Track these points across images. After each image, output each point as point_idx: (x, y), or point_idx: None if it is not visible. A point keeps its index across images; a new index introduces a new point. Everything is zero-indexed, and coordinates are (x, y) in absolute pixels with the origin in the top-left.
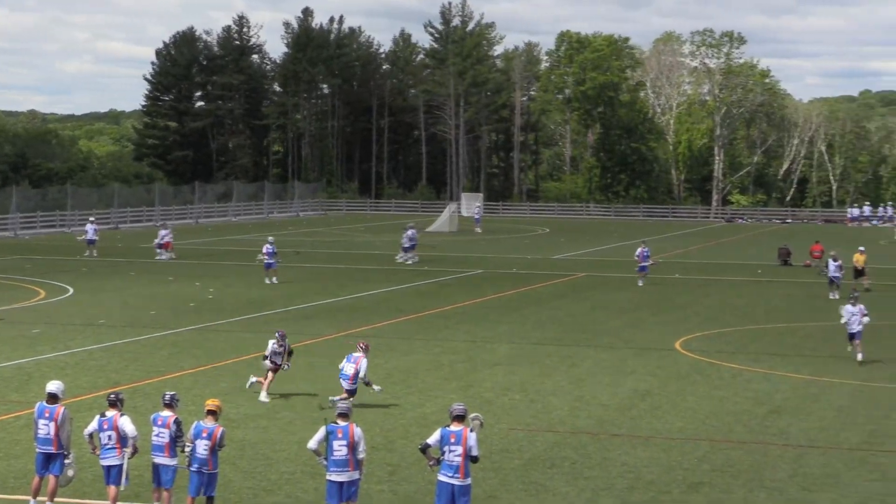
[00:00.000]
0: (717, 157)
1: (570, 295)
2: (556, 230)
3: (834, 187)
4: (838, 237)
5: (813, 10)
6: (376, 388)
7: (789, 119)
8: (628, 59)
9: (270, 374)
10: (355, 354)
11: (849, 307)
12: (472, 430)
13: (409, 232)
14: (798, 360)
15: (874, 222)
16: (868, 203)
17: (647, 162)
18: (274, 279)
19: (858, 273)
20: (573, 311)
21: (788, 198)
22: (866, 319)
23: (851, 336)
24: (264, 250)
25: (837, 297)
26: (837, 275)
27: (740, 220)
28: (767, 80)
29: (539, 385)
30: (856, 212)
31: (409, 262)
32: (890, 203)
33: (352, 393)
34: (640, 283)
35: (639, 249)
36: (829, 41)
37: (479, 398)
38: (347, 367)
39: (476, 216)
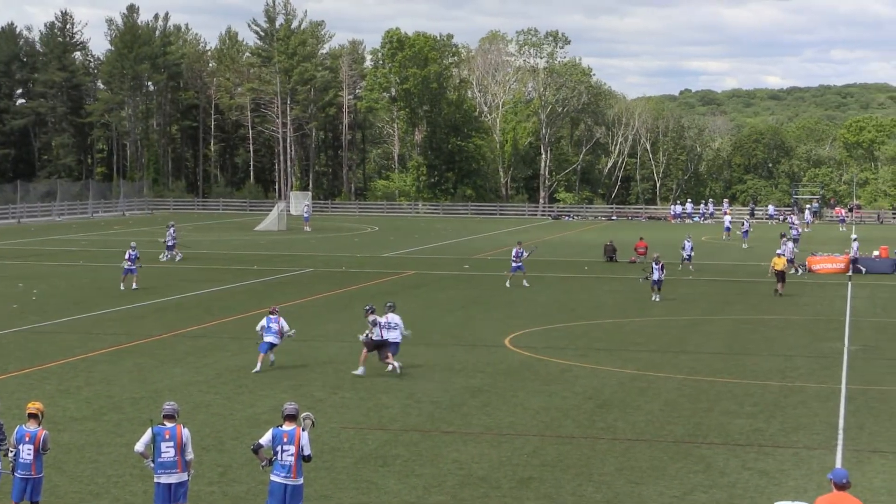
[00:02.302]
0: (543, 155)
1: (401, 293)
2: (386, 228)
3: (657, 185)
4: (662, 233)
5: (632, 11)
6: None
7: (614, 117)
8: (453, 57)
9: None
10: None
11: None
12: (304, 430)
13: (171, 230)
14: (625, 356)
15: (696, 219)
16: (690, 200)
17: (475, 160)
18: (134, 285)
19: (780, 275)
20: (404, 308)
21: (614, 195)
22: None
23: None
24: (126, 256)
25: (659, 300)
26: (660, 277)
27: (567, 218)
28: (593, 81)
29: (370, 383)
30: (678, 209)
31: (177, 258)
32: (711, 200)
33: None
34: (507, 284)
35: (515, 249)
36: (648, 41)
37: (310, 397)
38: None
39: (305, 215)
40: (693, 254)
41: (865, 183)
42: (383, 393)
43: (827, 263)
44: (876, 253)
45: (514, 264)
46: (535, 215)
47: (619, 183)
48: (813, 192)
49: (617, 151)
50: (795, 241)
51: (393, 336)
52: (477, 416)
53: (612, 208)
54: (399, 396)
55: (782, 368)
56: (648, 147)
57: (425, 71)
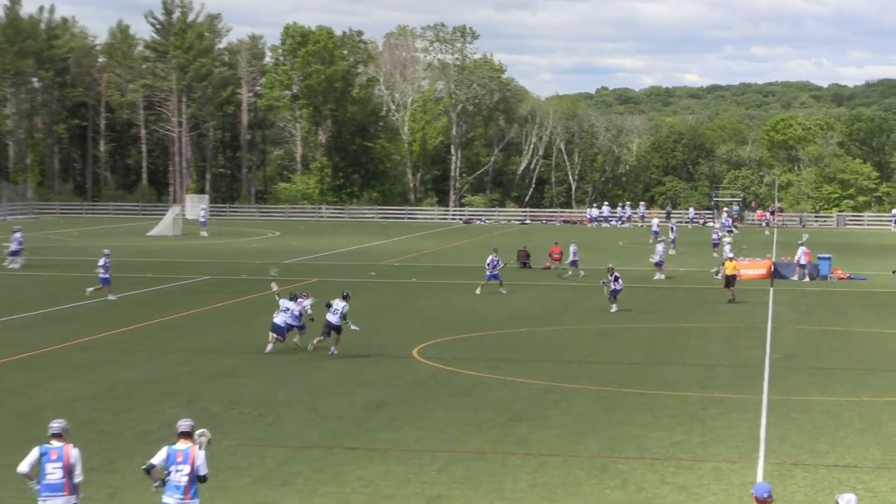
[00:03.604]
0: (453, 156)
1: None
2: (288, 233)
3: (573, 187)
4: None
5: (544, 5)
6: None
7: (527, 116)
8: (360, 54)
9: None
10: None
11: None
12: (199, 448)
13: (17, 235)
14: (538, 367)
15: (613, 223)
16: (606, 203)
17: (381, 161)
18: (110, 296)
19: (730, 280)
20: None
21: (527, 198)
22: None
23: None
24: (100, 263)
25: (616, 309)
26: (616, 288)
27: (478, 222)
28: (503, 77)
29: (270, 397)
30: (594, 212)
31: (16, 266)
32: (629, 203)
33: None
34: (478, 291)
35: (490, 257)
36: (561, 36)
37: (205, 412)
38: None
39: (202, 219)
40: (577, 259)
41: (788, 185)
42: (284, 407)
43: (748, 269)
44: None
45: (488, 273)
46: (446, 219)
47: (532, 185)
48: (734, 194)
49: (531, 152)
50: (715, 245)
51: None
52: (383, 431)
53: (525, 212)
54: (300, 411)
55: (702, 378)
56: (563, 148)
57: (330, 69)
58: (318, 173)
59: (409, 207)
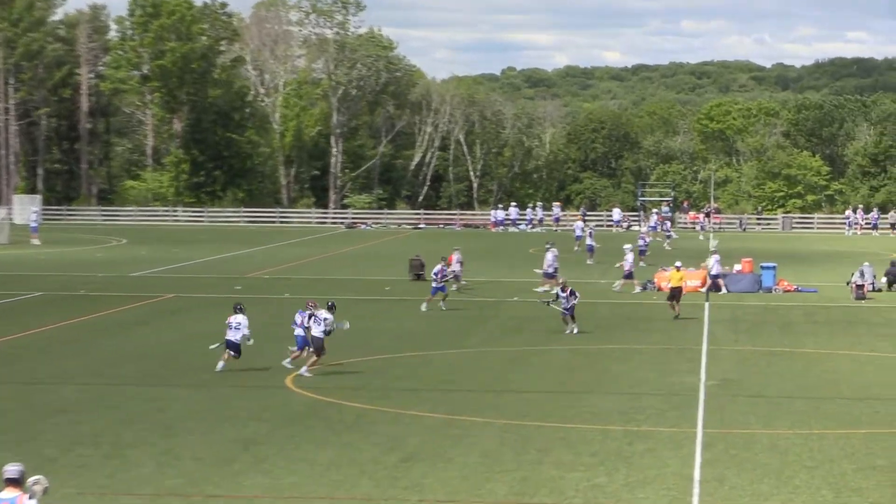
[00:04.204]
0: (334, 149)
1: (156, 321)
2: (137, 240)
3: (474, 185)
4: (462, 245)
5: None
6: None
7: (421, 101)
8: (223, 28)
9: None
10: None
11: None
12: (31, 498)
13: None
14: (435, 397)
15: (522, 227)
16: (514, 204)
17: (249, 156)
18: None
19: (675, 293)
20: (160, 340)
21: (421, 198)
22: None
23: None
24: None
25: (576, 331)
26: (569, 304)
27: (364, 226)
28: (393, 55)
29: (116, 436)
30: (500, 214)
31: None
32: (540, 203)
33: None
34: (424, 308)
35: (439, 266)
36: (459, 7)
37: (38, 455)
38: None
39: (32, 224)
40: (461, 269)
41: (725, 182)
42: (132, 448)
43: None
44: (738, 267)
45: (434, 285)
46: (325, 223)
47: (427, 183)
48: (663, 193)
49: (425, 144)
50: (642, 252)
51: (232, 335)
52: (251, 474)
53: (419, 214)
54: (152, 452)
55: (626, 409)
56: (463, 139)
57: (187, 46)
58: (173, 169)
59: (281, 210)
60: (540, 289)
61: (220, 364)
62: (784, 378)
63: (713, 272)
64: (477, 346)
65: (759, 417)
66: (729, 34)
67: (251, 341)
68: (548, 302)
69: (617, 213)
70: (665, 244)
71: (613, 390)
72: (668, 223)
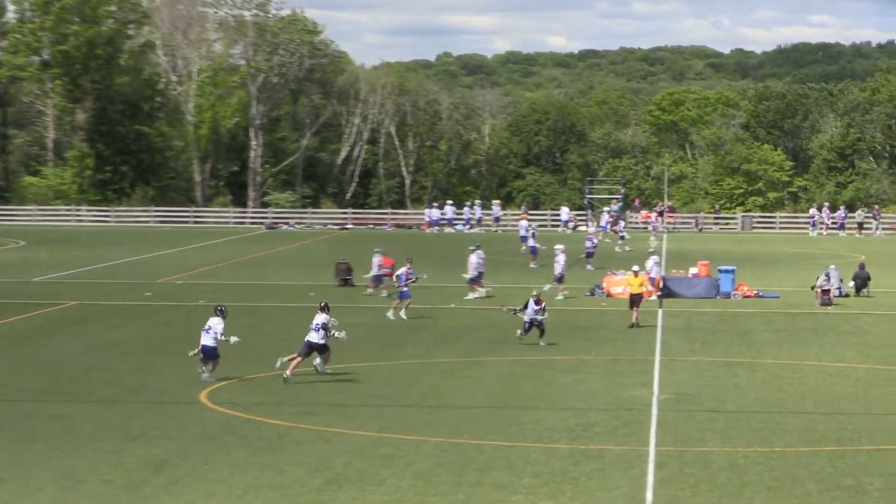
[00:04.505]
0: (253, 142)
1: (58, 331)
2: (37, 242)
3: (407, 182)
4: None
5: None
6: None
7: (349, 90)
8: (132, 11)
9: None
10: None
11: None
12: None
13: None
14: (364, 413)
15: (458, 227)
16: (450, 202)
17: (160, 150)
18: None
19: (634, 299)
20: (62, 352)
21: (349, 196)
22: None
23: None
24: None
25: (544, 343)
26: (539, 318)
27: (286, 226)
28: (318, 40)
29: (12, 458)
30: (435, 214)
31: None
32: (478, 202)
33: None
34: (391, 316)
35: (403, 269)
36: None
37: None
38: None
39: None
40: (382, 274)
41: (680, 178)
42: (31, 470)
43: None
44: (694, 271)
45: (403, 289)
46: (244, 223)
47: (355, 180)
48: (612, 190)
49: (353, 137)
50: (590, 255)
51: (205, 339)
52: (162, 498)
53: (346, 214)
54: (51, 475)
55: (573, 426)
56: (394, 131)
57: (92, 30)
58: (77, 165)
59: (195, 209)
60: (471, 295)
61: (203, 374)
62: (743, 391)
63: (652, 275)
64: (410, 357)
65: (716, 434)
66: (684, 17)
67: (233, 340)
68: (515, 311)
69: (565, 213)
70: (617, 246)
71: (559, 405)
72: (622, 223)
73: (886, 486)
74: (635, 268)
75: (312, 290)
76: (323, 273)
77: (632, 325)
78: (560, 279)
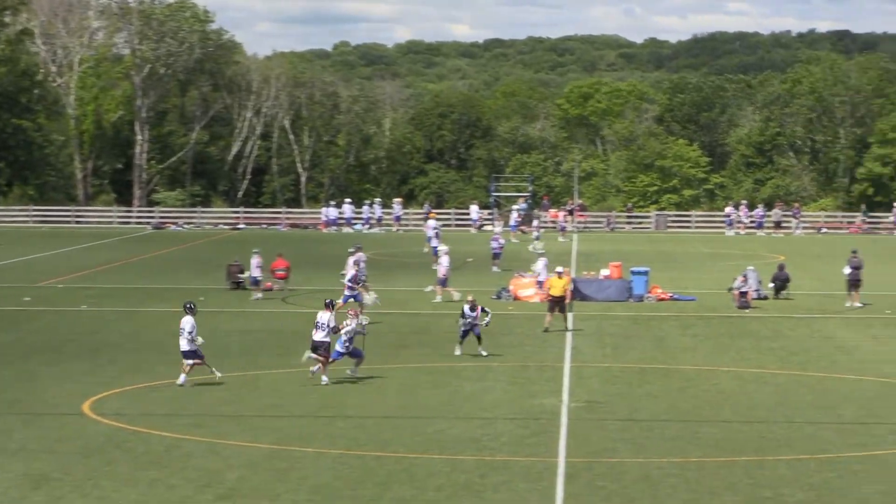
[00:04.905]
0: (139, 137)
1: None
2: None
3: (303, 179)
4: (310, 248)
5: None
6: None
7: (240, 82)
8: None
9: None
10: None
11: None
12: None
13: None
14: (259, 424)
15: (357, 226)
16: (348, 200)
17: (38, 145)
18: None
19: (556, 303)
20: None
21: (241, 194)
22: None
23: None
24: None
25: (485, 353)
26: (477, 324)
27: (174, 227)
28: (209, 28)
29: None
30: (333, 213)
31: None
32: (378, 200)
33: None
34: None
35: (351, 272)
36: None
37: None
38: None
39: None
40: (260, 276)
41: (591, 175)
42: None
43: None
44: (605, 272)
45: (346, 293)
46: (129, 223)
47: (248, 177)
48: (520, 187)
49: (245, 131)
50: (496, 255)
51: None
52: None
53: (238, 213)
54: None
55: (478, 436)
56: (289, 125)
57: None
58: None
59: (77, 208)
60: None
61: (182, 377)
62: (658, 399)
63: (541, 278)
64: (307, 364)
65: (628, 444)
66: (594, 5)
67: (199, 341)
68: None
69: (475, 211)
70: (530, 246)
71: (463, 414)
72: (536, 222)
73: (806, 497)
74: (559, 269)
75: (203, 293)
76: (214, 276)
77: (545, 329)
78: (443, 282)
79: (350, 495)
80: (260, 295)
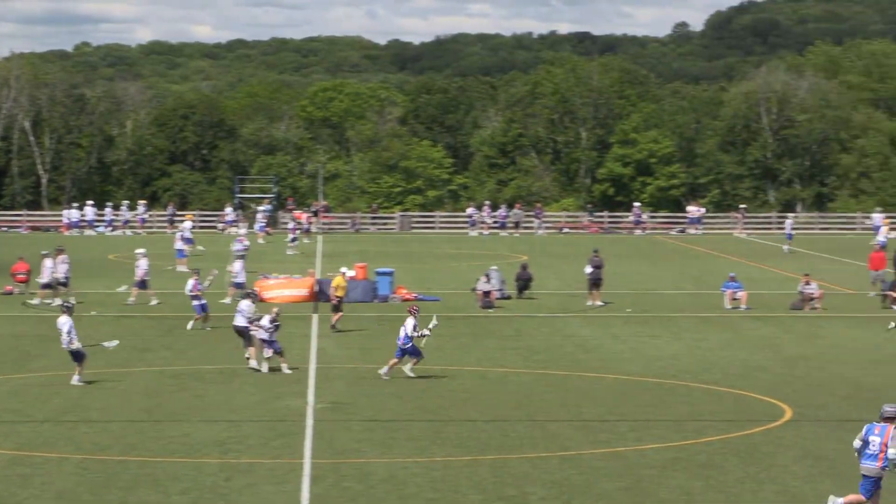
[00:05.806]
0: None
1: None
2: None
3: (44, 181)
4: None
5: None
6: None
7: None
8: None
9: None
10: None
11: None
12: None
13: None
14: None
15: (100, 229)
16: (90, 203)
17: None
18: None
19: (335, 307)
20: None
21: None
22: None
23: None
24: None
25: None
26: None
27: None
28: None
29: None
30: (75, 215)
31: None
32: (126, 202)
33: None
34: (190, 326)
35: (191, 281)
36: None
37: None
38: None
39: None
40: (59, 279)
41: (336, 176)
42: None
43: (284, 289)
44: (350, 273)
45: (195, 302)
46: None
47: None
48: (264, 189)
49: None
50: (241, 257)
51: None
52: None
53: None
54: None
55: (223, 439)
56: (29, 127)
57: None
58: None
59: None
60: (130, 300)
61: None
62: (402, 399)
63: (238, 280)
64: (46, 369)
65: (374, 444)
66: (336, 6)
67: (72, 344)
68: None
69: (230, 212)
70: (289, 249)
71: (208, 417)
72: (292, 224)
73: (548, 494)
74: (343, 269)
75: None
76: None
77: (332, 326)
78: (142, 284)
79: (93, 500)
80: (39, 300)
